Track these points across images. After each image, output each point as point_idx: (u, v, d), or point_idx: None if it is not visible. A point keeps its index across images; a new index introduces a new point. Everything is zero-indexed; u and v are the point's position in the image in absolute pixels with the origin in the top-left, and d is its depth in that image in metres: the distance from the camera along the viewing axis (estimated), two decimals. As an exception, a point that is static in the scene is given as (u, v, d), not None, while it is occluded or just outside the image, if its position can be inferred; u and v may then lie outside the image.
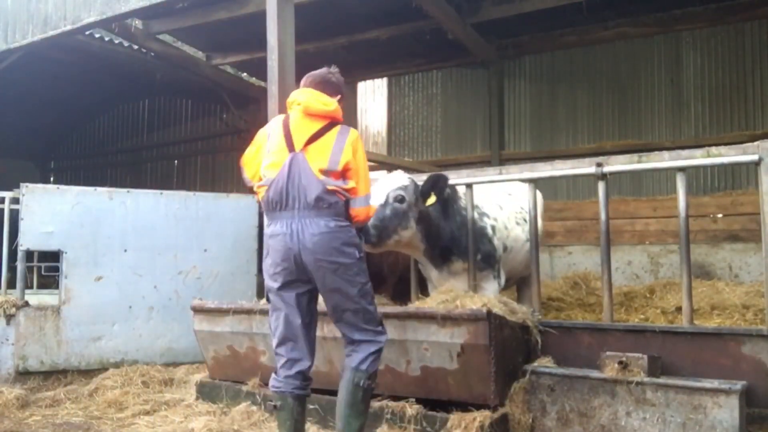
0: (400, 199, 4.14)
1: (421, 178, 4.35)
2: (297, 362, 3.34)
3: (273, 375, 3.42)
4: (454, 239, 4.50)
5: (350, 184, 3.33)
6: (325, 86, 3.49)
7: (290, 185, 3.24)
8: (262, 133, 3.60)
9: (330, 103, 3.41)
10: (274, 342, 3.40)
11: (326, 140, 3.32)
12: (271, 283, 3.35)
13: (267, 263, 3.36)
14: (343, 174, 3.30)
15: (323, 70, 3.58)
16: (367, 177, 3.43)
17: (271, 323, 3.43)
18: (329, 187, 3.23)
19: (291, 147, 3.30)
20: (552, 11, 8.20)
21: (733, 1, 8.14)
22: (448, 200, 4.49)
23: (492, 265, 4.64)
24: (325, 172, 3.25)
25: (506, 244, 4.78)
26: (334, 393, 3.88)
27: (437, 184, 4.20)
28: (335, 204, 3.25)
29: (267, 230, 3.37)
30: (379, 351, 3.39)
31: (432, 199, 4.18)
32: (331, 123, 3.39)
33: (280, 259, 3.26)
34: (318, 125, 3.35)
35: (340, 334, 3.56)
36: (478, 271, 4.54)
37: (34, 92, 11.03)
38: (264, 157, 3.42)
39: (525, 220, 4.96)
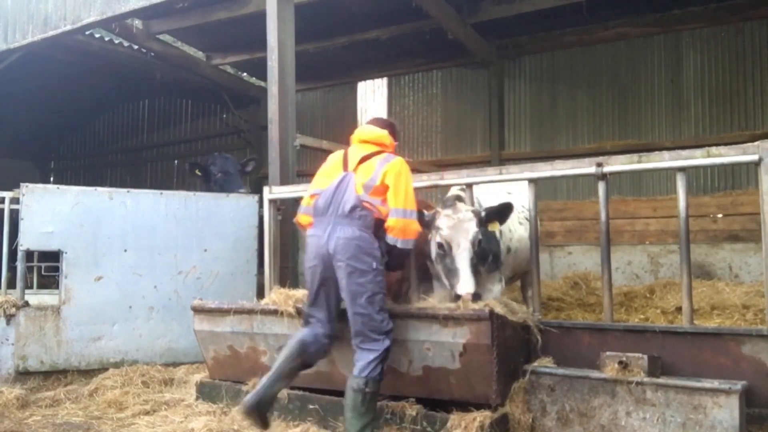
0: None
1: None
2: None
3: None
4: None
5: (384, 204, 3.74)
6: (377, 122, 4.18)
7: (335, 197, 3.78)
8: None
9: (379, 132, 4.02)
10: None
11: (372, 162, 3.83)
12: (306, 277, 3.91)
13: (304, 257, 3.95)
14: (382, 192, 3.74)
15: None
16: (407, 196, 3.76)
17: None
18: (364, 203, 3.70)
19: (346, 167, 3.89)
20: (552, 11, 8.20)
21: (733, 1, 8.14)
22: None
23: (499, 267, 4.70)
24: (366, 187, 3.74)
25: (510, 246, 4.85)
26: (334, 393, 3.92)
27: (504, 213, 4.28)
28: (365, 216, 3.70)
29: (308, 231, 3.92)
30: (378, 358, 3.58)
31: (496, 225, 4.26)
32: (381, 151, 3.92)
33: (312, 256, 3.79)
34: (369, 150, 3.91)
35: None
36: (487, 272, 4.56)
37: (34, 92, 11.01)
38: (318, 175, 4.04)
39: (527, 219, 4.99)
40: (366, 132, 4.03)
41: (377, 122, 4.17)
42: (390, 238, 3.71)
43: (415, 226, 3.79)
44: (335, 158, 4.03)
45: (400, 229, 3.69)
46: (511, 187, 5.22)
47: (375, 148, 3.93)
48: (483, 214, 4.17)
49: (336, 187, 3.80)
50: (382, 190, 3.74)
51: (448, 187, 4.96)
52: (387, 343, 3.63)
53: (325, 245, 3.69)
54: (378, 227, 3.72)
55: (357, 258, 3.61)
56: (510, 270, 5.07)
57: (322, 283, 3.77)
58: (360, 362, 3.59)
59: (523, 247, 4.94)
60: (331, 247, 3.66)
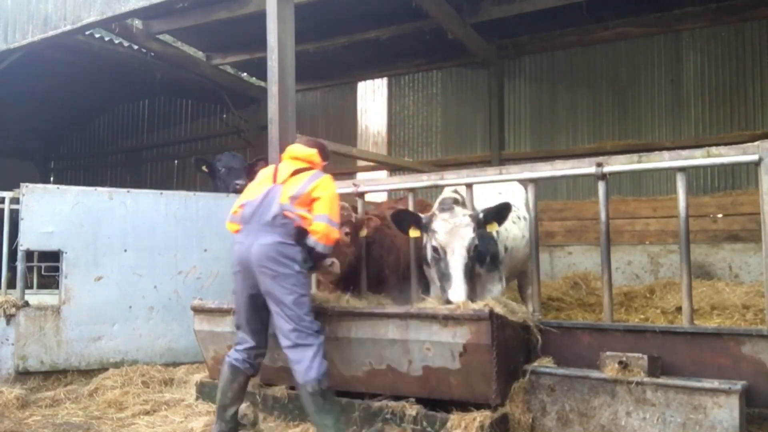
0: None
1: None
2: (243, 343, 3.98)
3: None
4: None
5: (309, 213, 3.87)
6: (307, 142, 4.40)
7: (260, 206, 3.92)
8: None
9: (309, 150, 4.21)
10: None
11: (302, 177, 4.02)
12: (235, 284, 4.01)
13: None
14: (309, 203, 3.89)
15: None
16: (332, 206, 3.93)
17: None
18: (285, 212, 3.84)
19: (275, 180, 4.07)
20: (552, 11, 8.21)
21: (733, 1, 8.15)
22: None
23: (498, 267, 4.67)
24: (292, 198, 3.88)
25: (507, 245, 4.82)
26: (334, 393, 3.89)
27: (502, 213, 4.25)
28: (286, 225, 3.84)
29: (235, 238, 4.04)
30: (317, 353, 3.70)
31: (494, 226, 4.24)
32: (311, 168, 4.12)
33: (236, 263, 3.93)
34: (299, 165, 4.12)
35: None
36: (486, 273, 4.55)
37: (34, 92, 11.01)
38: (249, 187, 4.22)
39: (519, 218, 4.99)
40: (296, 150, 4.23)
41: (308, 142, 4.39)
42: (311, 239, 3.83)
43: (336, 235, 3.95)
44: (266, 172, 4.22)
45: (324, 234, 3.83)
46: (501, 186, 5.20)
47: (305, 165, 4.13)
48: (480, 216, 4.16)
49: (263, 198, 3.95)
50: (309, 201, 3.90)
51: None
52: (321, 338, 3.75)
53: (248, 252, 3.82)
54: (300, 235, 3.85)
55: (278, 262, 3.74)
56: (507, 270, 5.07)
57: (247, 293, 3.88)
58: (301, 365, 3.66)
59: (519, 246, 4.94)
60: (253, 254, 3.79)
